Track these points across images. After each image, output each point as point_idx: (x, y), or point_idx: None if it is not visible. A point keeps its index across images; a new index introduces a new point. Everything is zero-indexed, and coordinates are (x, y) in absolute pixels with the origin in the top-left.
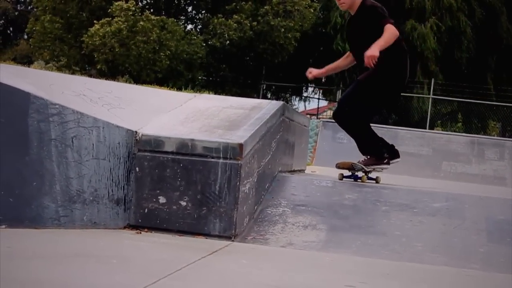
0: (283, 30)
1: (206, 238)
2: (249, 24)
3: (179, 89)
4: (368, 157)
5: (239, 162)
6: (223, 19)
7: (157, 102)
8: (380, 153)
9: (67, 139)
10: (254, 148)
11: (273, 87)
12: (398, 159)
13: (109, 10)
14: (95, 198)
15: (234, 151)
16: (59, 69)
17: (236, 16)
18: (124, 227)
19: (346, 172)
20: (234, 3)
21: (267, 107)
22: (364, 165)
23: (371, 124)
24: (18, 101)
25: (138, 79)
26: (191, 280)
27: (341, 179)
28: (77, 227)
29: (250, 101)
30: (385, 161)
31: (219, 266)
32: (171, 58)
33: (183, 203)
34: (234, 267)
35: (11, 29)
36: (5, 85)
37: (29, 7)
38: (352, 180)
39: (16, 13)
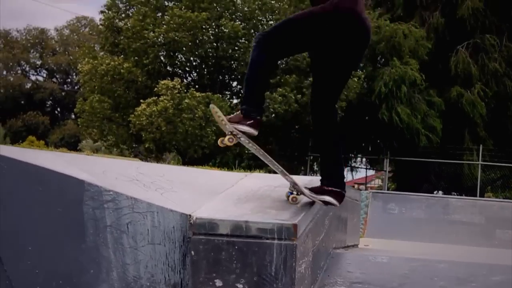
0: None
1: None
2: (293, 97)
3: (226, 164)
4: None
5: (294, 242)
6: (268, 92)
7: (209, 184)
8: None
9: (122, 225)
10: (308, 227)
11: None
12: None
13: (155, 89)
14: (152, 284)
15: (289, 231)
16: (107, 148)
17: (280, 89)
18: None
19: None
20: (278, 77)
21: None
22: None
23: None
24: (73, 189)
25: (185, 156)
26: None
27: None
28: None
29: (302, 178)
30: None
31: None
32: (218, 133)
33: (240, 286)
34: None
35: (58, 109)
36: (60, 174)
37: (76, 87)
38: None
39: (63, 93)
